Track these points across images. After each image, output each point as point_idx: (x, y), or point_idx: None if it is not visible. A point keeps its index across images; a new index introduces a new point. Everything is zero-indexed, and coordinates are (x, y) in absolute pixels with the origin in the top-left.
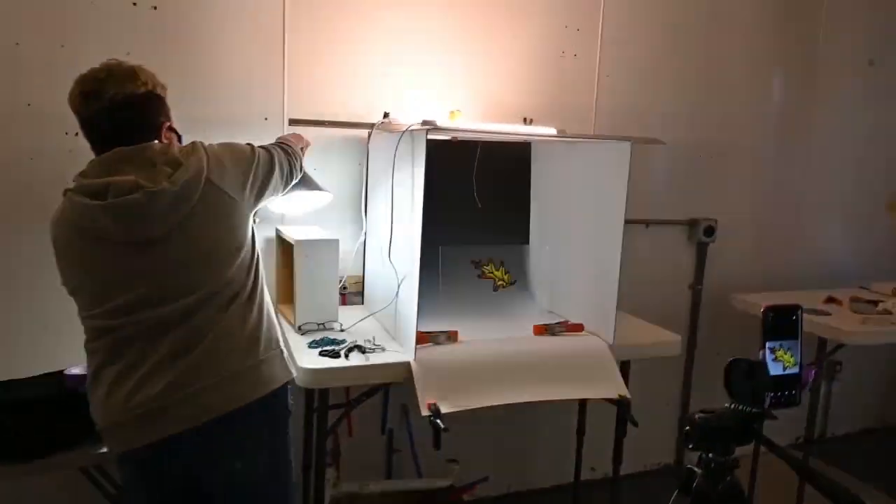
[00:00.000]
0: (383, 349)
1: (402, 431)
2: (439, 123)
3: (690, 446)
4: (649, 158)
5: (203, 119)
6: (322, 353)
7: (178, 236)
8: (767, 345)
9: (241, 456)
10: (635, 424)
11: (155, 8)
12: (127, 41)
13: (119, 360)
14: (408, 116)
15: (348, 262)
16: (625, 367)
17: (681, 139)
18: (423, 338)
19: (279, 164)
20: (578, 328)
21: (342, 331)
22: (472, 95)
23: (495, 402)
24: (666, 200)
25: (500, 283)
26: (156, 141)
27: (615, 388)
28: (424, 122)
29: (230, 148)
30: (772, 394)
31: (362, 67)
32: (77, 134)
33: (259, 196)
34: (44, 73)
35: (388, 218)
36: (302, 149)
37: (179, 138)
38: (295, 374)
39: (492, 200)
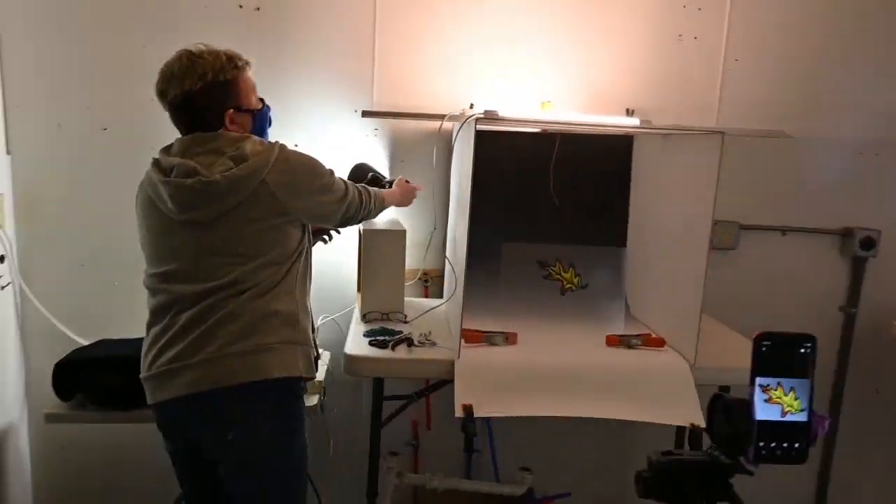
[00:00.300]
0: (434, 344)
1: (485, 433)
2: (530, 115)
3: (640, 496)
4: (791, 157)
5: (300, 111)
6: (371, 343)
7: (220, 225)
8: (758, 381)
9: (232, 429)
10: None
11: (258, 9)
12: (233, 39)
13: (158, 322)
14: (498, 107)
15: (429, 254)
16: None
17: (835, 134)
18: (476, 336)
19: (347, 203)
20: (659, 343)
21: (405, 322)
22: (572, 85)
23: (540, 413)
24: (813, 205)
25: (569, 285)
26: (226, 130)
27: (688, 415)
28: (487, 113)
29: (309, 162)
30: (761, 443)
31: (455, 57)
32: None
33: (310, 216)
34: None
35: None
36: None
37: (255, 114)
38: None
39: (575, 197)
